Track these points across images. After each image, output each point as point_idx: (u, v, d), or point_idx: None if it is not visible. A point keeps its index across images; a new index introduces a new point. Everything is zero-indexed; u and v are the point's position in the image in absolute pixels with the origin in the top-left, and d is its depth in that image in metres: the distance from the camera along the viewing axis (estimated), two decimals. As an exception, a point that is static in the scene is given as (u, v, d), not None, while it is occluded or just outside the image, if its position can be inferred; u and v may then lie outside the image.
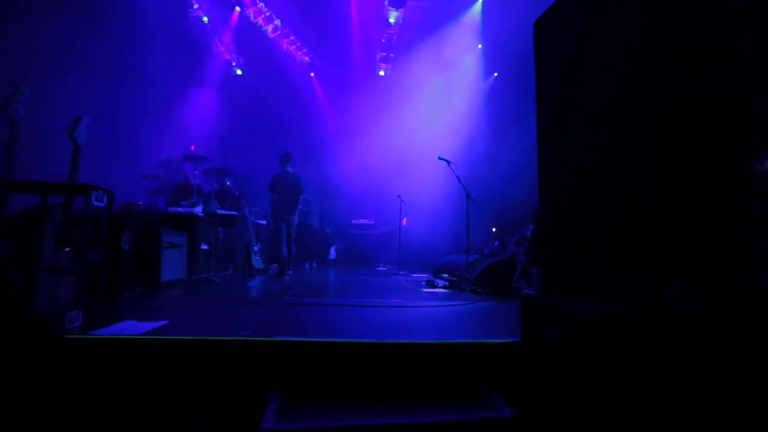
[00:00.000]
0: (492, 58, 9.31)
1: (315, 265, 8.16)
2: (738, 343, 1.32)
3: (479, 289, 4.08)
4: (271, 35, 9.71)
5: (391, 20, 9.09)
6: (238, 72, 10.21)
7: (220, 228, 5.25)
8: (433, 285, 4.75)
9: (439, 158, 4.98)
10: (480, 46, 9.60)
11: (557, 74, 1.91)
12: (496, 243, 7.12)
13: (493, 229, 7.58)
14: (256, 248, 5.89)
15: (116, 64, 6.73)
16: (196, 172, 6.24)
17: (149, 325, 2.04)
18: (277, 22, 9.54)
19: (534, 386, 1.73)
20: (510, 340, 1.88)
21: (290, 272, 5.71)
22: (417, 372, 1.81)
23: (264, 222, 7.08)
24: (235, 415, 1.58)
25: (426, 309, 3.04)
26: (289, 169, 5.80)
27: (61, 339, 1.75)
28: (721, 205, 1.47)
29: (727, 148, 1.49)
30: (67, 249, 2.09)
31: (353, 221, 10.05)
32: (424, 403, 1.64)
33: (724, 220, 1.43)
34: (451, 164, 4.89)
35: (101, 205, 2.16)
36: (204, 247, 4.56)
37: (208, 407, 1.60)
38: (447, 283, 4.72)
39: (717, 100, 1.50)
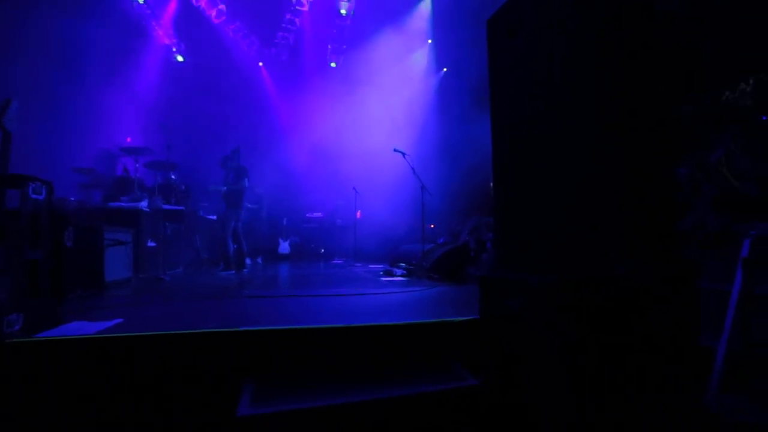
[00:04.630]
0: (442, 53, 9.57)
1: (260, 261, 7.86)
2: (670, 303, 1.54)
3: (435, 276, 4.26)
4: (216, 21, 9.22)
5: (343, 11, 9.01)
6: (179, 58, 9.59)
7: (167, 223, 4.97)
8: (391, 274, 4.86)
9: (395, 150, 5.09)
10: (430, 41, 9.83)
11: (511, 69, 2.06)
12: (441, 239, 7.37)
13: (431, 226, 7.79)
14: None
15: (42, 48, 6.05)
16: (137, 165, 5.83)
17: (102, 325, 1.93)
18: (222, 6, 9.08)
19: (493, 356, 1.88)
20: (470, 318, 2.02)
21: (246, 270, 5.55)
22: (385, 352, 1.89)
23: (214, 217, 6.79)
24: (209, 406, 1.56)
25: (387, 295, 3.13)
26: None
27: (1, 344, 1.61)
28: (661, 190, 1.70)
29: (661, 150, 1.72)
30: (1, 246, 1.91)
31: (307, 215, 9.91)
32: (394, 380, 1.73)
33: (664, 203, 1.66)
34: (406, 156, 5.01)
35: (40, 198, 1.98)
36: (151, 244, 4.31)
37: (181, 401, 1.56)
38: (404, 272, 4.86)
39: (653, 104, 1.72)
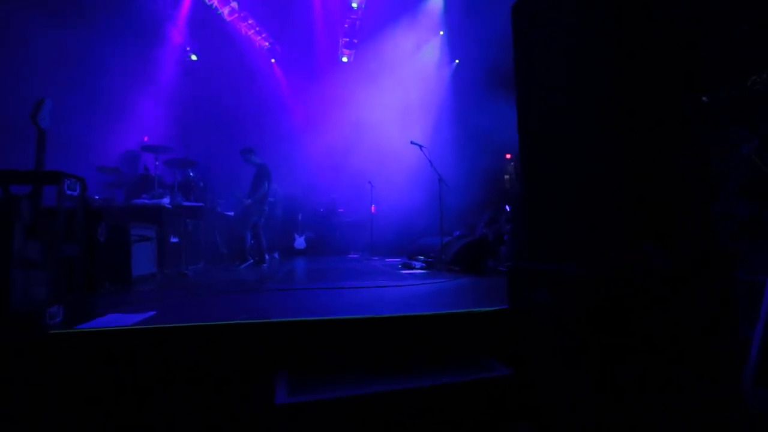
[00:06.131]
0: (455, 44, 9.46)
1: (277, 256, 7.94)
2: (701, 292, 1.51)
3: (456, 268, 4.24)
4: (228, 18, 9.28)
5: (354, 5, 8.97)
6: (193, 57, 9.69)
7: (187, 220, 5.05)
8: (410, 267, 4.86)
9: (412, 143, 5.06)
10: (442, 32, 9.71)
11: (536, 55, 2.02)
12: (457, 232, 7.31)
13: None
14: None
15: (63, 52, 6.20)
16: (157, 163, 5.94)
17: (137, 317, 1.98)
18: (234, 4, 9.13)
19: (523, 346, 1.87)
20: (499, 308, 2.01)
21: (265, 265, 5.64)
22: (413, 342, 1.89)
23: (232, 213, 6.88)
24: (247, 395, 1.59)
25: (410, 287, 3.13)
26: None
27: (44, 335, 1.66)
28: (685, 179, 1.65)
29: (661, 149, 1.68)
30: (38, 242, 1.96)
31: (322, 210, 9.96)
32: (424, 370, 1.73)
33: (690, 191, 1.61)
34: (423, 148, 4.98)
35: (74, 194, 2.04)
36: (174, 239, 4.39)
37: (217, 389, 1.60)
38: (424, 265, 4.85)
39: (670, 95, 1.68)
